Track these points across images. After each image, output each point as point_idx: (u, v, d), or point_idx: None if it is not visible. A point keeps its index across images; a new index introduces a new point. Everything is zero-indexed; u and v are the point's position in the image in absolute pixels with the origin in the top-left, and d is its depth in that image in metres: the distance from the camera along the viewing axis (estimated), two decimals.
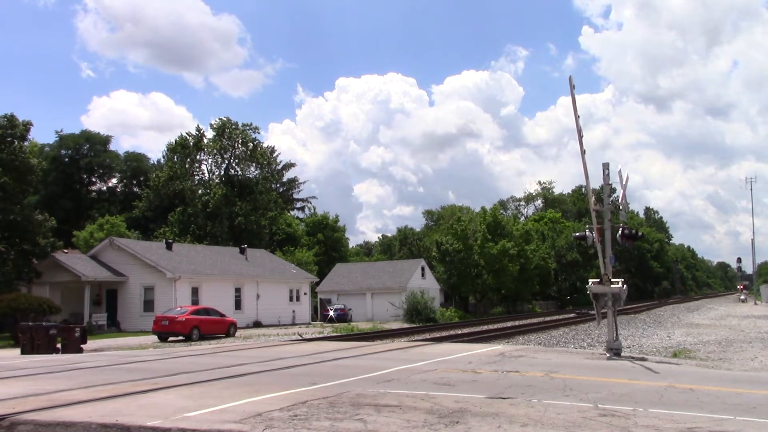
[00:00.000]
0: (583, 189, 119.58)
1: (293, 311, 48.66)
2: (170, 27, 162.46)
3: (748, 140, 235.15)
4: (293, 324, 46.50)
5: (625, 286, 16.16)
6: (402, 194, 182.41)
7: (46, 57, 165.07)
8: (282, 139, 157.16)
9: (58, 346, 22.59)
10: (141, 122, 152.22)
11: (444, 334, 31.98)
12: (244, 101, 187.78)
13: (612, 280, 16.00)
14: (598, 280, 16.13)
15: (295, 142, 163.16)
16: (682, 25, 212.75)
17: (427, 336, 30.01)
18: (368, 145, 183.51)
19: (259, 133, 78.96)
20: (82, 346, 23.17)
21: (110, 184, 77.17)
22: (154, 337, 30.83)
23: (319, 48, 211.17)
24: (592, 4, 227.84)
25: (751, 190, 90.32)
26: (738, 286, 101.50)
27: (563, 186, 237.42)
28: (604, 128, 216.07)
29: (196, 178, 70.36)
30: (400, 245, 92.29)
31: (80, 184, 73.34)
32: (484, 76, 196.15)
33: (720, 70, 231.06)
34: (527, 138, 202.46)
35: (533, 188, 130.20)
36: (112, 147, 76.18)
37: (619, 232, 16.79)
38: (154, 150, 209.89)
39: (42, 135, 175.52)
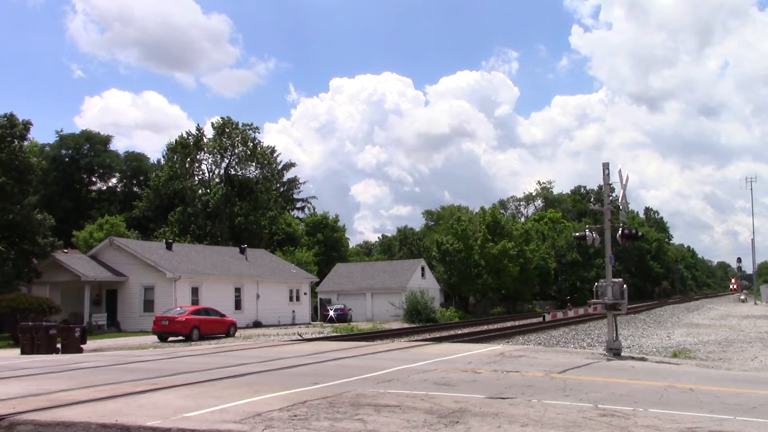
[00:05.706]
0: (582, 189, 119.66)
1: (293, 311, 48.65)
2: (160, 27, 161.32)
3: (743, 140, 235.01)
4: (293, 324, 46.48)
5: (625, 286, 16.18)
6: (399, 194, 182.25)
7: (37, 58, 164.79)
8: (278, 138, 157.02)
9: (58, 346, 22.60)
10: (134, 122, 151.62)
11: (444, 334, 31.98)
12: (236, 101, 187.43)
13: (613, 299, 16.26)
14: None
15: (291, 142, 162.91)
16: (672, 25, 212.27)
17: (427, 336, 30.02)
18: (363, 145, 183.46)
19: (259, 133, 78.83)
20: (81, 346, 23.19)
21: (110, 184, 77.22)
22: (154, 337, 30.83)
23: (312, 47, 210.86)
24: (582, 5, 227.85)
25: (751, 190, 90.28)
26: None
27: (561, 185, 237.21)
28: (598, 128, 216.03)
29: (196, 177, 70.32)
30: (399, 245, 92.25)
31: (80, 184, 73.33)
32: (478, 77, 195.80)
33: (711, 70, 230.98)
34: (522, 138, 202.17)
35: (532, 188, 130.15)
36: (109, 147, 76.31)
37: (619, 232, 16.82)
38: (149, 149, 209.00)
39: (38, 135, 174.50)
